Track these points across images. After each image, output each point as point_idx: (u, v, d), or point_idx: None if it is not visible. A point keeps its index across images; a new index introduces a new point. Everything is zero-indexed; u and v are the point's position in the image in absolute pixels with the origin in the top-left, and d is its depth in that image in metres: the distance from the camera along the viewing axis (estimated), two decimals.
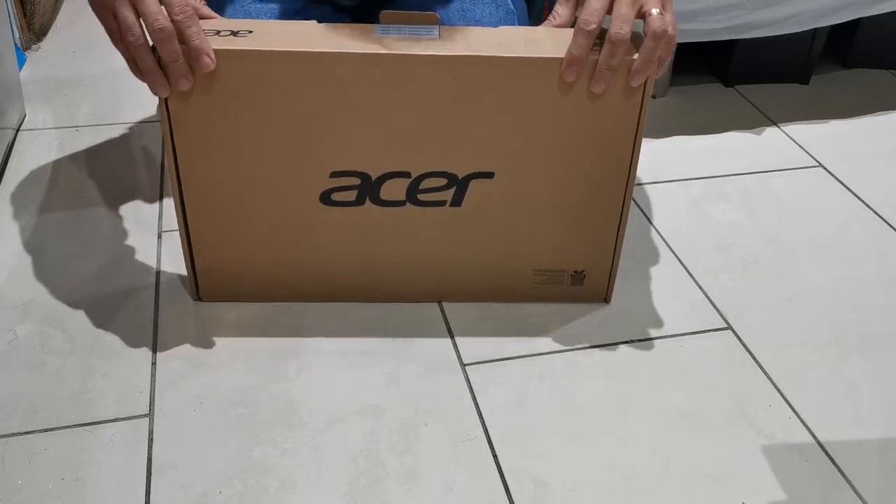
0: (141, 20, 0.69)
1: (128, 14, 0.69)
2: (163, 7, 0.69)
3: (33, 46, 1.42)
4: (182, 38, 0.70)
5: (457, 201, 0.82)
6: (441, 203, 0.82)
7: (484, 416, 0.77)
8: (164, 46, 0.69)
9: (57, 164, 1.11)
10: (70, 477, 0.70)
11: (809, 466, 0.74)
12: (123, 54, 0.71)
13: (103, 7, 0.70)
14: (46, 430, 0.74)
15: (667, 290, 0.93)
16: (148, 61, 0.70)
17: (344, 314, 0.87)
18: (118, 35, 0.70)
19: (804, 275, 0.96)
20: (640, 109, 0.77)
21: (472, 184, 0.81)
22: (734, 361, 0.84)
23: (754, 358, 0.85)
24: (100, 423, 0.75)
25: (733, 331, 0.88)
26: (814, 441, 0.76)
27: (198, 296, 0.87)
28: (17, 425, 0.74)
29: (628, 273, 0.95)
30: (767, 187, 1.11)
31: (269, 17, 0.89)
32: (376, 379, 0.80)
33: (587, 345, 0.85)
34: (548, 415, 0.78)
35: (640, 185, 1.10)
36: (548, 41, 0.75)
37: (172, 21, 0.69)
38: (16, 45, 1.32)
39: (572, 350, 0.84)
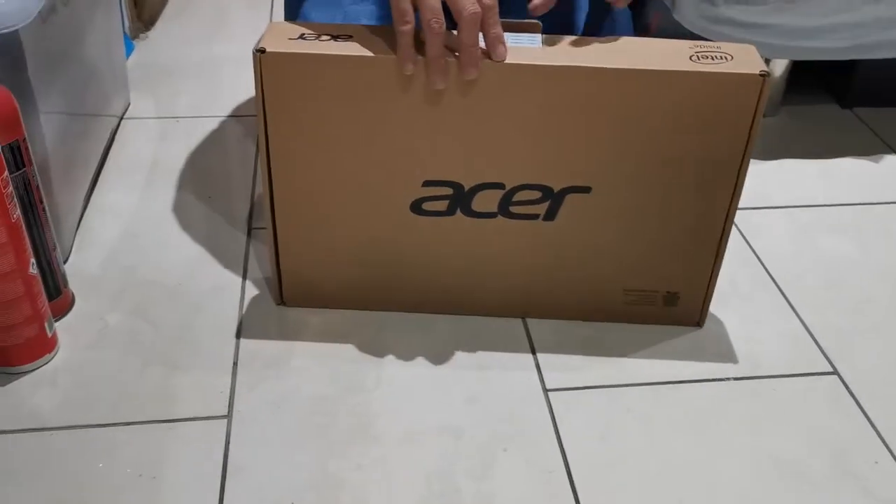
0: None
1: (435, 3, 0.69)
2: None
3: (141, 35, 1.46)
4: (483, 26, 0.70)
5: (550, 215, 0.79)
6: (534, 217, 0.79)
7: (565, 446, 0.74)
8: (471, 31, 0.69)
9: (155, 154, 1.13)
10: (147, 473, 0.70)
11: None
12: (402, 38, 0.70)
13: None
14: (128, 424, 0.75)
15: (767, 325, 0.88)
16: (441, 47, 0.70)
17: (426, 326, 0.86)
18: (405, 18, 0.70)
19: None
20: (751, 127, 0.72)
21: (568, 198, 0.78)
22: (838, 409, 0.78)
23: (861, 407, 0.79)
24: (179, 420, 0.75)
25: (838, 374, 0.82)
26: None
27: (281, 300, 0.87)
28: (100, 417, 0.75)
29: (726, 303, 0.90)
30: (884, 221, 1.04)
31: (368, 18, 0.88)
32: (456, 397, 0.78)
33: (677, 379, 0.81)
34: (632, 451, 0.74)
35: (743, 209, 1.05)
36: (652, 53, 0.72)
37: (481, 6, 0.69)
38: (125, 33, 1.35)
39: (661, 384, 0.80)
